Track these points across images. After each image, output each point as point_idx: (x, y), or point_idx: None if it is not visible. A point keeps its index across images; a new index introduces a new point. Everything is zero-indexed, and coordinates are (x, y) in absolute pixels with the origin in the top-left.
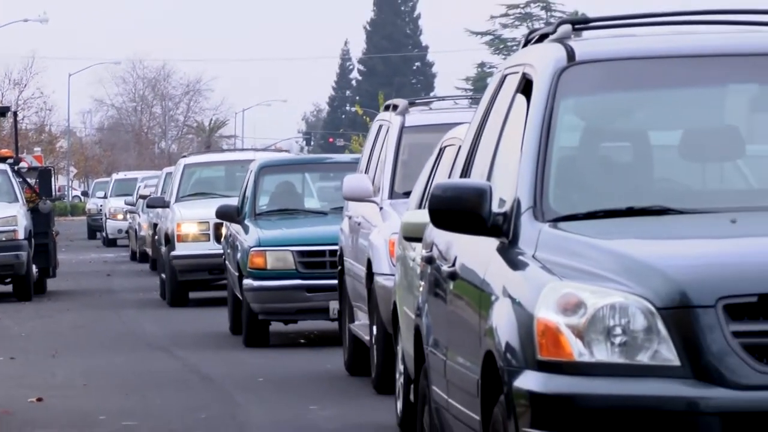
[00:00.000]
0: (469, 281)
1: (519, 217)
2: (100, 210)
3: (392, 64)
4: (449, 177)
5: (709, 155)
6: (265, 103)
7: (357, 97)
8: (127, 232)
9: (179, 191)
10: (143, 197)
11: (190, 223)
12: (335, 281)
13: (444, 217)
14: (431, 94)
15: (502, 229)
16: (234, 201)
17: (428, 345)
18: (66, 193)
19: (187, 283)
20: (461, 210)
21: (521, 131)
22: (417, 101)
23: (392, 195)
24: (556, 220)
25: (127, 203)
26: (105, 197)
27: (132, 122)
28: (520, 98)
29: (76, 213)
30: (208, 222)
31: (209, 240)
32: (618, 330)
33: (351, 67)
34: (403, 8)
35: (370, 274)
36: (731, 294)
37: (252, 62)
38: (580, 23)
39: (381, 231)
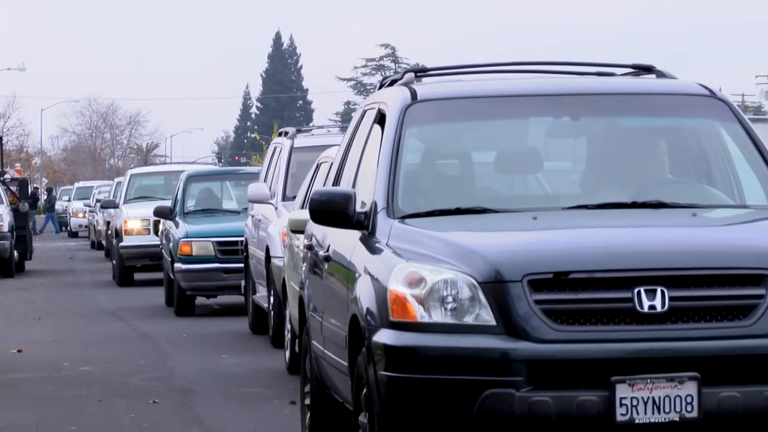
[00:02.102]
0: (339, 263)
1: (376, 215)
2: (66, 210)
3: (282, 102)
4: (324, 185)
5: (517, 169)
6: (188, 131)
7: (255, 127)
8: (86, 227)
9: (126, 195)
10: (99, 200)
11: (134, 220)
12: (242, 264)
13: (321, 215)
14: (311, 124)
15: (364, 224)
16: (168, 203)
17: (309, 310)
18: (39, 196)
19: (132, 267)
20: (333, 210)
21: (377, 152)
22: (302, 129)
23: (284, 198)
24: (404, 218)
25: (86, 205)
26: (69, 200)
27: (88, 145)
28: (377, 127)
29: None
30: (148, 219)
31: (150, 233)
32: (449, 299)
33: (251, 104)
34: (289, 61)
35: (267, 258)
36: (533, 272)
37: (178, 100)
38: (421, 72)
39: (276, 225)
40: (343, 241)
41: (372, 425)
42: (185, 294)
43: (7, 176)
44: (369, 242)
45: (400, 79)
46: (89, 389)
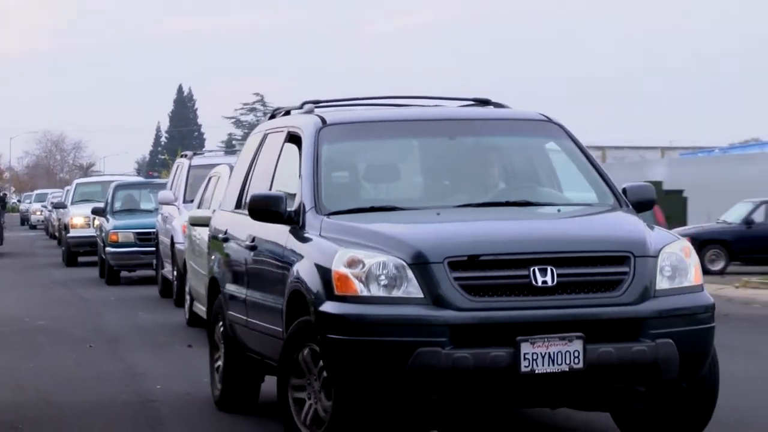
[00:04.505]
0: (270, 250)
1: (305, 213)
2: (28, 210)
3: (183, 133)
4: (225, 193)
5: (412, 177)
6: (115, 154)
7: (164, 150)
8: (43, 222)
9: (72, 198)
10: (53, 203)
11: (78, 217)
12: (154, 248)
13: (259, 213)
14: (204, 149)
15: (294, 220)
16: (102, 204)
17: (223, 288)
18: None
19: (77, 251)
20: (269, 209)
21: (297, 164)
22: (197, 153)
23: (185, 201)
24: (329, 215)
25: (43, 206)
26: (30, 203)
27: (45, 163)
28: (290, 146)
29: (15, 211)
30: (89, 216)
31: (90, 227)
32: (384, 277)
33: (161, 135)
34: (188, 104)
35: (172, 243)
36: (452, 255)
37: (109, 131)
38: (315, 103)
39: (178, 220)
40: (272, 234)
41: (318, 381)
42: (113, 269)
43: None
44: (301, 234)
45: (300, 108)
46: (43, 338)
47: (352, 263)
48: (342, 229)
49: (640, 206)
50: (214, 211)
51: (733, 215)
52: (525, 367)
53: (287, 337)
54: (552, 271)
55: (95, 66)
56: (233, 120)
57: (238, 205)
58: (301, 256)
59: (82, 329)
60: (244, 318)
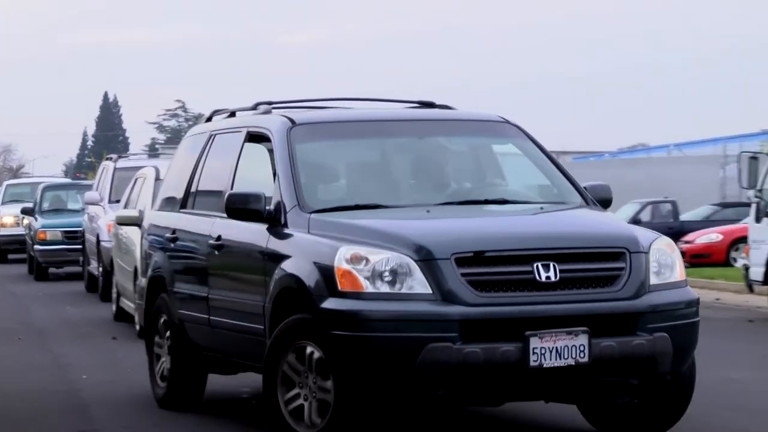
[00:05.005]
0: (246, 249)
1: (288, 212)
2: None
3: (109, 138)
4: (164, 193)
5: (387, 175)
6: (44, 156)
7: (91, 154)
8: None
9: (2, 199)
10: None
11: (8, 217)
12: (80, 246)
13: (236, 212)
14: (128, 153)
15: (275, 218)
16: (32, 204)
17: (172, 287)
18: None
19: (6, 249)
20: (247, 207)
21: (263, 163)
22: (121, 156)
23: (110, 202)
24: (313, 213)
25: None
26: None
27: None
28: (253, 146)
29: None
30: (18, 216)
31: (19, 226)
32: (390, 273)
33: (88, 139)
34: (113, 110)
35: (98, 241)
36: (458, 251)
37: (38, 135)
38: (270, 104)
39: (104, 220)
40: (246, 233)
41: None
42: (42, 266)
43: None
44: (285, 232)
45: (254, 109)
46: None
47: (355, 259)
48: (333, 226)
49: (601, 205)
50: (141, 211)
51: (622, 215)
52: (534, 361)
53: (276, 335)
54: (554, 266)
55: (25, 76)
56: (156, 125)
57: (184, 205)
58: (287, 255)
59: (11, 322)
60: (205, 317)
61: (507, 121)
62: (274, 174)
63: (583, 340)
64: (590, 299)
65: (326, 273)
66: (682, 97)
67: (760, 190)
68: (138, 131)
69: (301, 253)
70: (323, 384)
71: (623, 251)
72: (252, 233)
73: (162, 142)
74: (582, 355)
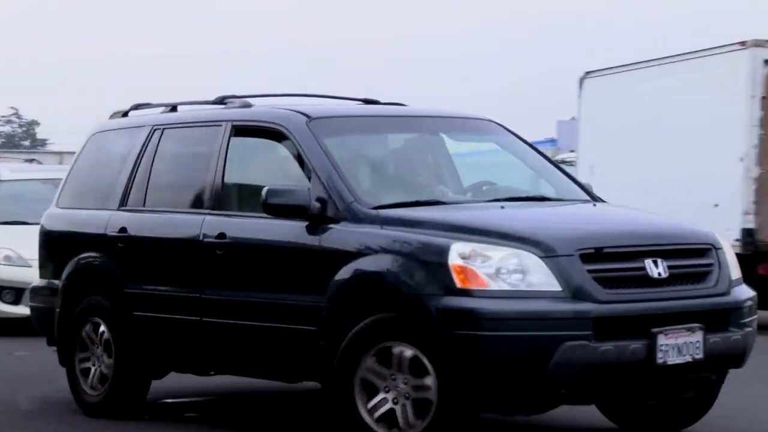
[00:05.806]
0: (279, 246)
1: (343, 208)
2: None
3: None
4: (75, 192)
5: (425, 171)
6: None
7: None
8: None
9: None
10: None
11: None
12: None
13: (278, 208)
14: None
15: (326, 216)
16: None
17: (129, 287)
18: None
19: None
20: (292, 204)
21: (271, 159)
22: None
23: None
24: (377, 208)
25: None
26: None
27: None
28: (242, 139)
29: None
30: None
31: None
32: (511, 270)
33: None
34: None
35: None
36: (582, 248)
37: None
38: (239, 98)
39: None
40: (274, 230)
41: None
42: None
43: None
44: (346, 230)
45: (222, 104)
46: None
47: (471, 256)
48: (421, 223)
49: None
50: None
51: None
52: (659, 359)
53: (352, 337)
54: (663, 263)
55: None
56: None
57: (124, 203)
58: (358, 252)
59: None
60: (194, 318)
61: (491, 121)
62: (302, 168)
63: (699, 336)
64: (698, 295)
65: (435, 270)
66: None
67: None
68: None
69: (385, 250)
70: (418, 382)
71: (710, 247)
72: (285, 230)
73: None
74: (698, 351)
